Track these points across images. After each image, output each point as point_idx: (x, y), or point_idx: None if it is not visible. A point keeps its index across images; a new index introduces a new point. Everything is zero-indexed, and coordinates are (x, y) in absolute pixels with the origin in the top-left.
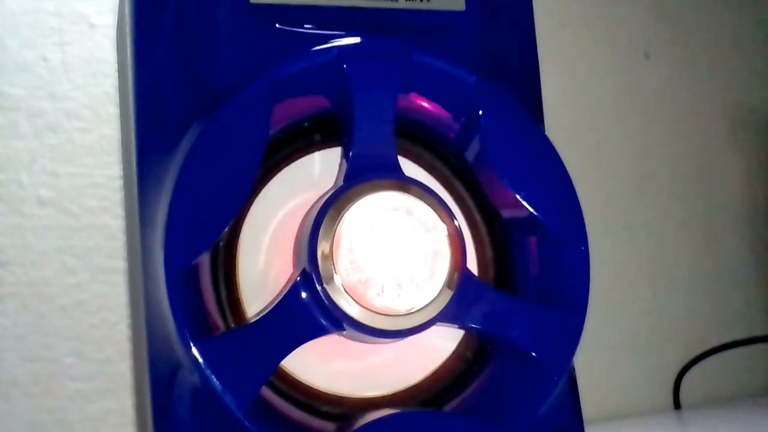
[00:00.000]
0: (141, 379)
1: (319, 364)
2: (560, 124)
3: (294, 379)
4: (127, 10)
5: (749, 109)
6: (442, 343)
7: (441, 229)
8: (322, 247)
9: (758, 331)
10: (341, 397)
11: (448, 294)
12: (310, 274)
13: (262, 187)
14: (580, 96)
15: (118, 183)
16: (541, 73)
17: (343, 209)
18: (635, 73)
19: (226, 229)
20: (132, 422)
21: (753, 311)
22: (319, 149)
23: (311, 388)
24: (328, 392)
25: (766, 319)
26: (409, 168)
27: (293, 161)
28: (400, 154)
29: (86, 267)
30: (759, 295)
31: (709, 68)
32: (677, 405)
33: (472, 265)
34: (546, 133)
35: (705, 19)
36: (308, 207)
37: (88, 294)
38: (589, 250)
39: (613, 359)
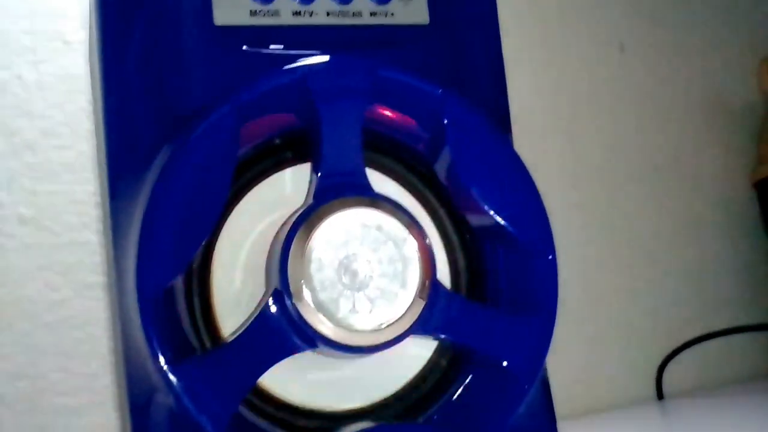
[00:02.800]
0: (122, 396)
1: (294, 378)
2: (537, 119)
3: (269, 394)
4: (95, 32)
5: (724, 99)
6: (417, 351)
7: (411, 244)
8: (293, 266)
9: (738, 321)
10: (316, 410)
11: (420, 306)
12: (281, 293)
13: (235, 206)
14: (557, 90)
15: (98, 199)
16: (517, 68)
17: (313, 227)
18: (610, 66)
19: (198, 251)
20: None
21: (732, 301)
22: (290, 165)
23: (286, 403)
24: (304, 406)
25: (746, 308)
26: (380, 180)
27: (265, 178)
28: (371, 167)
29: (69, 283)
30: (738, 284)
31: (684, 59)
32: (660, 395)
33: (445, 275)
34: (523, 129)
35: (679, 11)
36: (280, 224)
37: (72, 310)
38: (559, 255)
39: (596, 351)
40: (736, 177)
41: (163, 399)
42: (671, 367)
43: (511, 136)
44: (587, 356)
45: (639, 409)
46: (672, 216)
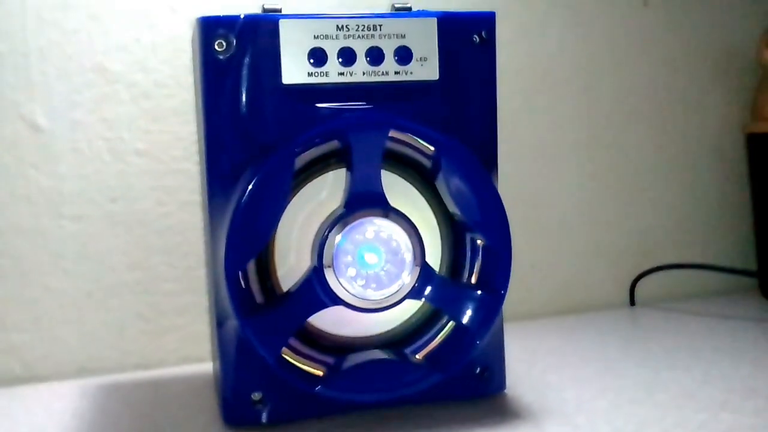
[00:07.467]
0: (211, 308)
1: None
2: (564, 65)
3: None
4: (198, 84)
5: (733, 51)
6: (408, 305)
7: (409, 241)
8: (327, 254)
9: (711, 256)
10: (333, 335)
11: (412, 283)
12: (318, 270)
13: (294, 195)
14: (582, 43)
15: (196, 137)
16: (548, 23)
17: (343, 228)
18: (634, 20)
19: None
20: (206, 311)
21: (709, 237)
22: (332, 169)
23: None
24: (331, 333)
25: (719, 246)
26: (399, 183)
27: (315, 178)
28: (394, 173)
29: (173, 201)
30: (717, 223)
31: (701, 13)
32: (632, 303)
33: (435, 258)
34: (546, 79)
35: None
36: (323, 213)
37: (175, 220)
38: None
39: (583, 262)
40: (734, 121)
41: (237, 331)
42: (644, 281)
43: (497, 170)
44: (575, 265)
45: (613, 311)
46: (669, 155)
